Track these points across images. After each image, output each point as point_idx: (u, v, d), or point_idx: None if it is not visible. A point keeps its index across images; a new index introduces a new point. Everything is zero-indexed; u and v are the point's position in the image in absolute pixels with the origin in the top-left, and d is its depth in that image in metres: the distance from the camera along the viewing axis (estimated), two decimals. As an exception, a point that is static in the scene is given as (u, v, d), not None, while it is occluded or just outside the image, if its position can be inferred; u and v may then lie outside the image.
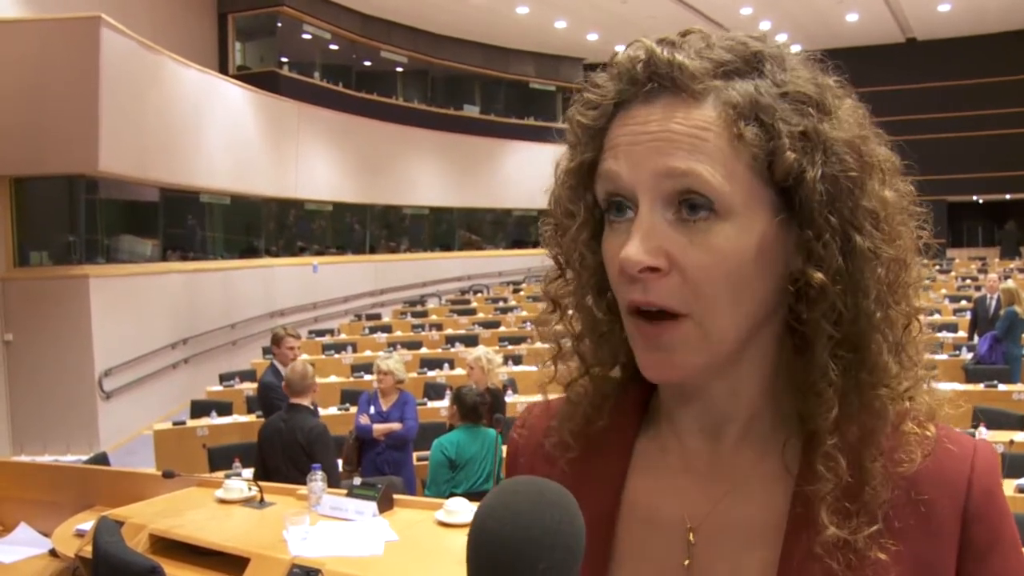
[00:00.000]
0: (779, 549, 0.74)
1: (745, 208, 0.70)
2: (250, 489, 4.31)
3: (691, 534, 0.78)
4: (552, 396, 0.90)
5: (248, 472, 5.29)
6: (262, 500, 4.23)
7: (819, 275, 0.70)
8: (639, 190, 0.71)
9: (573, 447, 0.84)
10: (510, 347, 10.98)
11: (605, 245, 0.76)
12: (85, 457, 6.52)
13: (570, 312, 0.84)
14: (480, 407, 5.31)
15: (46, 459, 7.41)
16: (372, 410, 5.94)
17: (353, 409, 7.02)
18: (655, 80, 0.72)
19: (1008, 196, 22.83)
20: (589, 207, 0.78)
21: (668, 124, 0.71)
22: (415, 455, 6.15)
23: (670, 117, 0.71)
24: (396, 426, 5.81)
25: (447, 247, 20.62)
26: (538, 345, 0.88)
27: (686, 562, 0.77)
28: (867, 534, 0.71)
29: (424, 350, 11.72)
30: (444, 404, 7.85)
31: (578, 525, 0.65)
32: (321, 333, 13.43)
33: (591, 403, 0.85)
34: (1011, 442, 5.52)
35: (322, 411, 6.00)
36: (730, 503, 0.78)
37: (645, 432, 0.85)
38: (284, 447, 4.95)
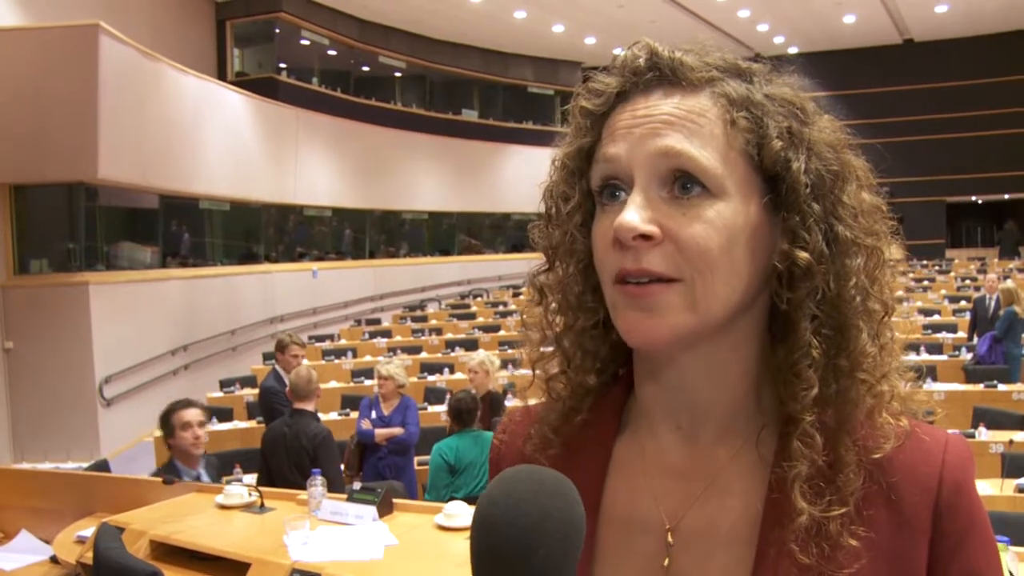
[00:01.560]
0: (755, 545, 0.75)
1: (737, 190, 0.74)
2: (250, 495, 4.31)
3: (669, 535, 0.79)
4: (532, 401, 0.92)
5: (249, 478, 5.29)
6: (262, 505, 4.23)
7: (805, 255, 0.74)
8: (635, 169, 0.74)
9: (554, 442, 0.85)
10: (510, 351, 10.97)
11: (596, 226, 0.78)
12: (86, 464, 6.53)
13: (554, 307, 0.86)
14: (464, 413, 5.31)
15: (47, 466, 7.41)
16: (373, 415, 5.95)
17: (354, 414, 7.03)
18: (655, 70, 0.77)
19: (1007, 196, 22.83)
20: (584, 192, 0.81)
21: (666, 108, 0.75)
22: (416, 459, 6.15)
23: (668, 102, 0.75)
24: (397, 431, 5.82)
25: (446, 252, 20.61)
26: (527, 352, 0.90)
27: (665, 562, 0.79)
28: (838, 515, 0.72)
29: (424, 355, 11.72)
30: (443, 408, 7.85)
31: (577, 513, 0.67)
32: (321, 338, 13.42)
33: (571, 397, 0.86)
34: (1011, 442, 5.52)
35: (323, 416, 6.01)
36: (706, 501, 0.79)
37: (623, 433, 0.86)
38: (289, 452, 4.95)
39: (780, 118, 0.75)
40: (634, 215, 0.72)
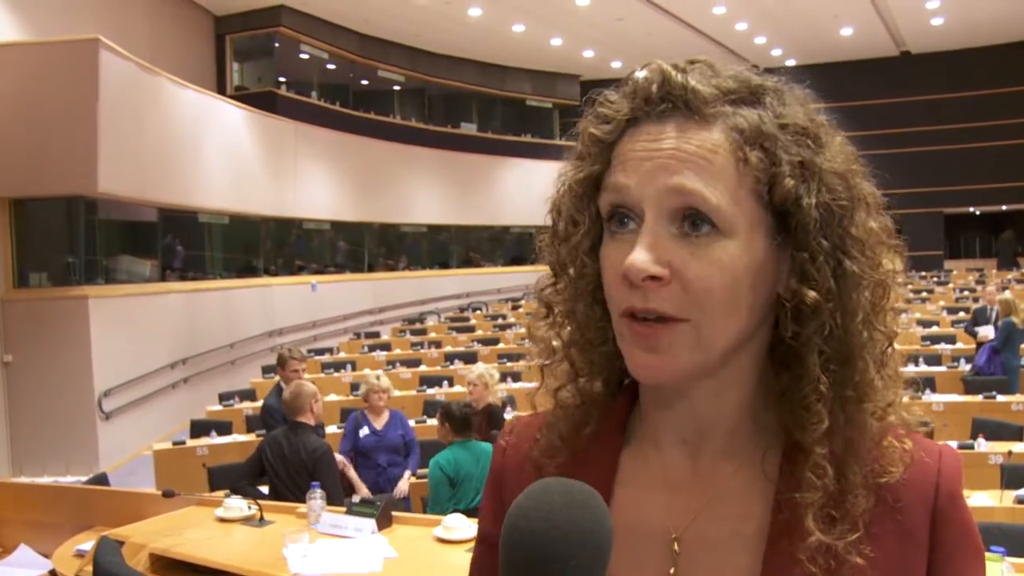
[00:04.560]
0: (761, 556, 0.77)
1: (746, 228, 0.74)
2: (250, 508, 4.31)
3: (676, 544, 0.80)
4: (540, 409, 0.92)
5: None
6: (262, 519, 4.23)
7: (813, 294, 0.74)
8: (646, 204, 0.74)
9: (562, 451, 0.86)
10: (509, 364, 10.97)
11: (605, 253, 0.78)
12: (85, 478, 6.51)
13: (560, 320, 0.87)
14: (471, 418, 5.30)
15: (46, 480, 7.40)
16: (366, 431, 5.91)
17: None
18: (668, 101, 0.76)
19: (1004, 207, 22.89)
20: (593, 217, 0.81)
21: (678, 143, 0.74)
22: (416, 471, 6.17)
23: (680, 137, 0.74)
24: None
25: (445, 265, 20.63)
26: (535, 362, 0.90)
27: (672, 571, 0.80)
28: (849, 540, 0.74)
29: (423, 368, 11.72)
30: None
31: (607, 526, 0.68)
32: (320, 352, 13.40)
33: (579, 408, 0.87)
34: (1010, 453, 5.51)
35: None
36: (711, 513, 0.80)
37: (628, 444, 0.87)
38: (288, 466, 4.93)
39: (792, 150, 0.75)
40: (643, 257, 0.72)
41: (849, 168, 0.78)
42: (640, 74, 0.79)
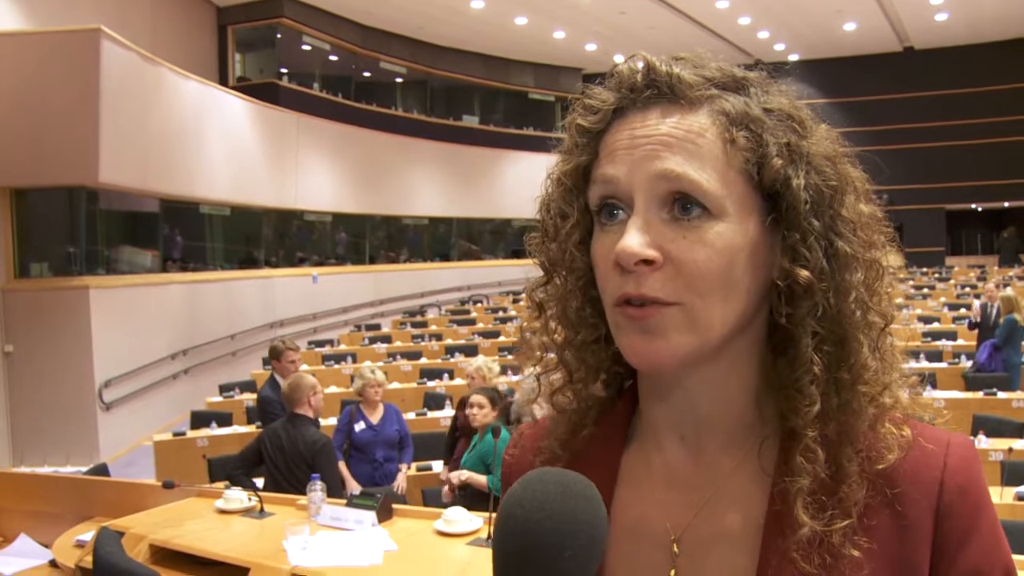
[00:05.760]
0: (758, 554, 0.75)
1: (736, 210, 0.73)
2: (250, 499, 4.32)
3: (675, 544, 0.79)
4: (539, 412, 0.92)
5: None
6: (262, 510, 4.24)
7: (806, 273, 0.73)
8: (635, 191, 0.74)
9: (562, 457, 0.86)
10: (510, 357, 10.95)
11: (595, 245, 0.78)
12: (85, 468, 6.51)
13: (553, 324, 0.86)
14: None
15: (46, 470, 7.40)
16: (362, 425, 5.90)
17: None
18: (653, 87, 0.76)
19: (1007, 204, 22.87)
20: (582, 210, 0.81)
21: (665, 128, 0.74)
22: (413, 465, 6.16)
23: (667, 122, 0.74)
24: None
25: (446, 257, 20.63)
26: (530, 370, 0.90)
27: (672, 572, 0.79)
28: (840, 528, 0.72)
29: (424, 360, 11.73)
30: (443, 414, 7.87)
31: (601, 515, 0.68)
32: (321, 344, 13.43)
33: (576, 411, 0.86)
34: (1010, 450, 5.51)
35: (322, 421, 5.98)
36: (710, 511, 0.79)
37: (630, 446, 0.86)
38: (287, 458, 4.94)
39: (779, 133, 0.75)
40: (635, 240, 0.72)
41: (836, 152, 0.78)
42: (625, 65, 0.79)
